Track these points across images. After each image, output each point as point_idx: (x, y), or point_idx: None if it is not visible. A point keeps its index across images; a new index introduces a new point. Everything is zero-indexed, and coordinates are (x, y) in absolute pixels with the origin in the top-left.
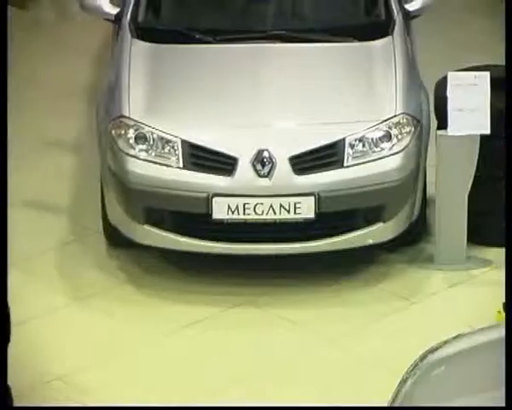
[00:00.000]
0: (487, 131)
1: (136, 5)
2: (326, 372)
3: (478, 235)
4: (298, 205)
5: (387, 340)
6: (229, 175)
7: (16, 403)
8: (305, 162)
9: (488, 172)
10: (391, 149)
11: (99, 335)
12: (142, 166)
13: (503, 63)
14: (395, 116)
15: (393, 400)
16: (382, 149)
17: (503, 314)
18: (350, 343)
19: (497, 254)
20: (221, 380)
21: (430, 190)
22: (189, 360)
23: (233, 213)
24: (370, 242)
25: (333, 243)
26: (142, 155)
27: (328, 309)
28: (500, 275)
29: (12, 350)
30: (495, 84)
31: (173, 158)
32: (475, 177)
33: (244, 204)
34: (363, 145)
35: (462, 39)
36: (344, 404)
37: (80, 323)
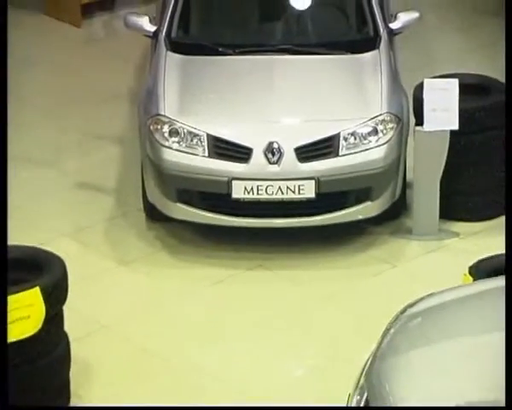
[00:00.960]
0: (456, 127)
1: (170, 24)
2: (320, 320)
3: (448, 211)
4: (301, 187)
5: (374, 296)
6: (245, 162)
7: (72, 347)
8: (307, 152)
9: (457, 161)
10: (377, 141)
11: (140, 292)
12: (175, 155)
13: (470, 72)
14: (381, 115)
15: (379, 345)
16: (370, 141)
17: (469, 277)
18: (342, 298)
19: (464, 227)
20: (241, 323)
21: (409, 175)
22: (215, 309)
23: (248, 193)
24: (360, 217)
25: (329, 218)
26: (175, 146)
27: (324, 271)
28: (466, 244)
29: (70, 303)
30: (463, 88)
31: (200, 149)
32: (446, 164)
33: (257, 186)
34: (355, 138)
35: (437, 52)
36: (333, 348)
37: (125, 282)
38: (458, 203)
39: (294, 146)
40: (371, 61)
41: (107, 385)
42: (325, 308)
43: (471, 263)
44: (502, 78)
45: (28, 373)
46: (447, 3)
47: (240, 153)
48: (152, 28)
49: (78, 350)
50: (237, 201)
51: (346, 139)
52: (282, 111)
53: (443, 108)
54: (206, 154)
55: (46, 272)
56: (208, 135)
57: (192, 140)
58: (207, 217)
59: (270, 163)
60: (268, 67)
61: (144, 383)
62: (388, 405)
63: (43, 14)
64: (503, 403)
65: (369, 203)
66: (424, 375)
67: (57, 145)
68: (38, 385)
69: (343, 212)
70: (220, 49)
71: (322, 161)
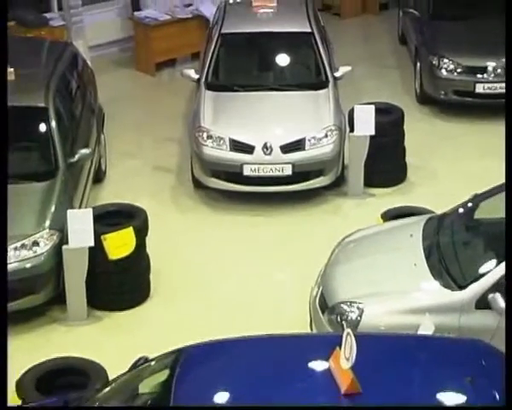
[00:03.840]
0: (373, 133)
1: (207, 74)
2: (294, 246)
3: (369, 182)
4: (284, 168)
5: (325, 232)
6: (250, 154)
7: (151, 262)
8: (287, 148)
9: (373, 153)
10: (327, 142)
11: (189, 230)
12: (210, 150)
13: (381, 101)
14: (329, 126)
15: (328, 260)
16: (323, 141)
17: (381, 220)
18: (307, 233)
19: (378, 191)
20: (248, 246)
21: (346, 161)
22: (234, 239)
23: (253, 172)
24: (317, 186)
25: (299, 187)
26: (210, 145)
27: (296, 217)
28: (379, 201)
29: (150, 236)
30: (377, 111)
31: (224, 146)
32: (367, 155)
33: (258, 167)
34: (314, 140)
35: (361, 90)
36: (303, 262)
37: (181, 224)
38: (374, 177)
39: (280, 144)
40: (324, 95)
41: (172, 285)
42: (297, 239)
43: (382, 211)
44: (400, 104)
45: (124, 278)
46: (367, 62)
47: (247, 148)
48: (196, 76)
49: (155, 264)
50: (246, 176)
51: (309, 140)
52: (272, 124)
53: (365, 122)
54: (228, 149)
55: (135, 218)
56: (229, 138)
57: (220, 141)
58: (229, 186)
59: (265, 154)
60: (263, 98)
61: (195, 284)
62: (332, 295)
63: (134, 70)
64: (407, 293)
65: (322, 178)
66: (354, 277)
67: (140, 145)
68: (130, 285)
69: (307, 183)
70: (236, 88)
71: (296, 153)
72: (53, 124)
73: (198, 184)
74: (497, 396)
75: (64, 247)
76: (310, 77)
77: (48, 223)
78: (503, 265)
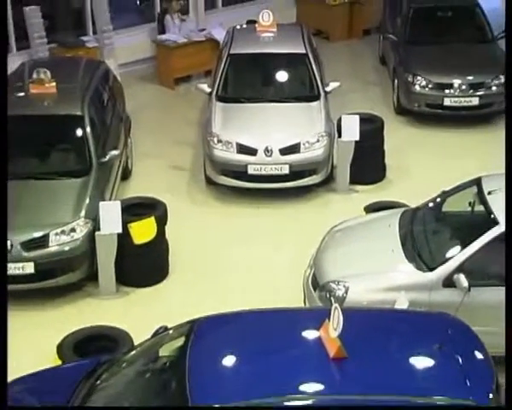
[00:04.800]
0: (357, 139)
1: (218, 88)
2: (290, 234)
3: (353, 180)
4: (282, 168)
5: (317, 222)
6: (254, 156)
7: (170, 246)
8: (285, 151)
9: (358, 156)
10: (319, 145)
11: (201, 220)
12: (219, 153)
13: (364, 111)
14: (321, 132)
15: (319, 245)
16: (316, 145)
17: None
18: (301, 223)
19: (361, 188)
20: (252, 233)
21: (335, 162)
22: (239, 227)
23: (256, 171)
24: (311, 183)
25: (295, 183)
26: (219, 147)
27: (291, 209)
28: (362, 196)
29: (168, 224)
30: (361, 120)
31: (232, 149)
32: (353, 158)
33: (260, 167)
34: (308, 144)
35: (348, 102)
36: (298, 247)
37: (194, 214)
38: (358, 176)
39: (279, 148)
40: (316, 106)
41: (187, 266)
42: (293, 228)
43: (365, 205)
44: (380, 114)
45: (145, 260)
46: (353, 78)
47: (251, 151)
48: (208, 90)
49: (173, 248)
50: (250, 175)
51: (304, 144)
52: (273, 130)
53: (351, 129)
54: (235, 152)
55: (156, 209)
56: (236, 142)
57: (228, 145)
58: (235, 183)
59: (267, 156)
60: (265, 108)
61: (206, 265)
62: (322, 275)
63: (157, 84)
64: (386, 274)
65: (315, 176)
66: (341, 260)
67: (161, 147)
68: (151, 266)
69: (302, 180)
70: (241, 100)
71: (293, 155)
72: (87, 129)
73: (209, 181)
74: (460, 360)
75: (96, 233)
76: (304, 91)
77: (83, 213)
78: (465, 250)
